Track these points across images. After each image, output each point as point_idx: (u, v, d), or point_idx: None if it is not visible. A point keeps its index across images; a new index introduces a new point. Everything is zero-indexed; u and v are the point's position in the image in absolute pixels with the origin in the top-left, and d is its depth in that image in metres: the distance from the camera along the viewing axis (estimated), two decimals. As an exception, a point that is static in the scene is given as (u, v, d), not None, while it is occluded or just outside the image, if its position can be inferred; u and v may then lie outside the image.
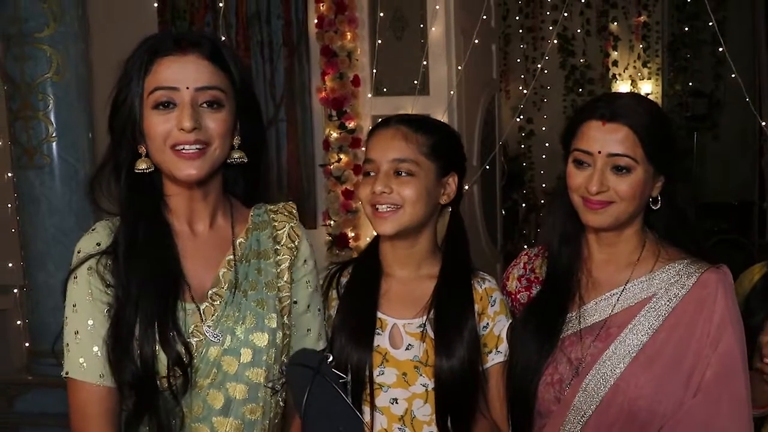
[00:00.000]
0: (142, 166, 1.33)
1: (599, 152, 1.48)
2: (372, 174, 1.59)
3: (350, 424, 1.30)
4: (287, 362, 1.36)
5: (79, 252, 1.35)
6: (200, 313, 1.34)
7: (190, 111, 1.29)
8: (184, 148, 1.30)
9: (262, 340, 1.35)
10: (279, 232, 1.46)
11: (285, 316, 1.41)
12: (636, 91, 6.72)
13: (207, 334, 1.33)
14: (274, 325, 1.37)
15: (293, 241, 1.46)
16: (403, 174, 1.56)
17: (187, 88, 1.30)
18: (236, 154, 1.38)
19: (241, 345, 1.34)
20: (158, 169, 1.36)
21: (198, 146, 1.31)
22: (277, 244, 1.45)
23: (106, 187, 1.37)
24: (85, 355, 1.30)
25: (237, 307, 1.36)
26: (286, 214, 1.49)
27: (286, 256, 1.44)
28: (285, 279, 1.43)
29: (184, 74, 1.30)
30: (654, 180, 1.52)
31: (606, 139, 1.47)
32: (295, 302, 1.45)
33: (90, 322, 1.30)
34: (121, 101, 1.33)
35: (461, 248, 1.66)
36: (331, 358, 1.33)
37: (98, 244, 1.34)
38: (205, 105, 1.31)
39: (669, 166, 1.53)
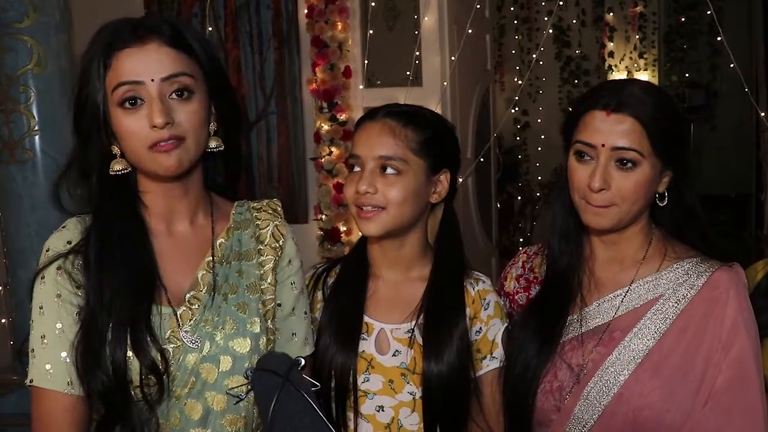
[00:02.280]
0: (117, 167, 1.26)
1: (603, 145, 1.38)
2: (357, 170, 1.50)
3: None
4: (253, 367, 1.27)
5: (48, 250, 1.26)
6: (177, 318, 1.26)
7: (160, 105, 1.20)
8: (159, 144, 1.22)
9: (243, 346, 1.28)
10: (262, 231, 1.39)
11: (269, 320, 1.34)
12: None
13: (184, 340, 1.25)
14: (257, 330, 1.30)
15: (277, 241, 1.38)
16: (390, 172, 1.47)
17: (152, 80, 1.21)
18: (213, 143, 1.30)
19: (220, 352, 1.27)
20: (133, 168, 1.28)
21: (173, 140, 1.22)
22: (261, 243, 1.37)
23: (72, 189, 1.29)
24: (52, 361, 1.21)
25: (216, 311, 1.29)
26: (270, 211, 1.42)
27: (269, 256, 1.37)
28: (269, 281, 1.35)
29: (146, 66, 1.21)
30: (661, 175, 1.43)
31: (610, 131, 1.38)
32: (279, 305, 1.37)
33: (58, 325, 1.22)
34: (84, 100, 1.25)
35: (454, 247, 1.58)
36: (302, 364, 1.23)
37: (69, 243, 1.26)
38: (174, 95, 1.22)
39: (677, 160, 1.43)
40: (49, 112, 3.03)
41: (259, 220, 1.40)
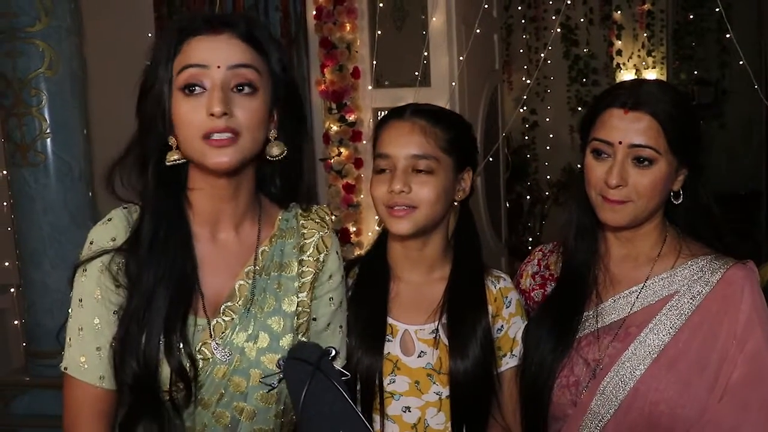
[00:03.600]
0: (173, 157, 1.23)
1: (620, 143, 1.40)
2: (387, 171, 1.48)
3: (351, 427, 1.20)
4: (285, 356, 1.27)
5: (91, 243, 1.26)
6: (210, 329, 1.26)
7: (221, 95, 1.17)
8: (214, 136, 1.18)
9: (274, 362, 1.26)
10: (306, 241, 1.36)
11: (300, 334, 1.32)
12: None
13: (215, 353, 1.24)
14: (288, 347, 1.28)
15: (320, 253, 1.36)
16: (423, 171, 1.46)
17: (218, 67, 1.18)
18: (276, 150, 1.26)
19: (251, 366, 1.26)
20: (186, 161, 1.25)
21: (228, 134, 1.18)
22: (303, 254, 1.35)
23: (126, 179, 1.27)
24: (87, 354, 1.23)
25: (250, 324, 1.27)
26: (317, 220, 1.38)
27: (309, 269, 1.34)
28: (305, 295, 1.33)
29: (215, 53, 1.19)
30: (677, 173, 1.44)
31: (628, 129, 1.39)
32: (314, 319, 1.35)
33: (96, 321, 1.23)
34: (149, 86, 1.24)
35: (472, 246, 1.58)
36: (333, 353, 1.23)
37: (113, 239, 1.25)
38: (236, 89, 1.20)
39: (693, 158, 1.45)
40: (61, 115, 3.06)
41: (305, 229, 1.36)
